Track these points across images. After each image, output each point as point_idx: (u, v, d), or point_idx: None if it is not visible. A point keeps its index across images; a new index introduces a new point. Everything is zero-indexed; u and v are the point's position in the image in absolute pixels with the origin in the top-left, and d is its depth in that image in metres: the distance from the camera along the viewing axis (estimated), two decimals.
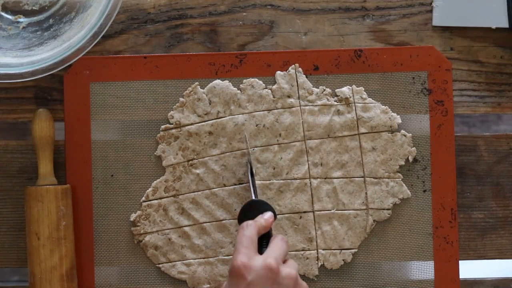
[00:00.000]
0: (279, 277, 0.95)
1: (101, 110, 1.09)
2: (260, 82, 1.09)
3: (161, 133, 1.09)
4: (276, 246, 0.98)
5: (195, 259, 1.08)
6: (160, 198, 1.09)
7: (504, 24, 1.09)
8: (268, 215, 1.02)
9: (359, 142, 1.08)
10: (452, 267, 1.09)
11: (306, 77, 1.09)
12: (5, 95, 1.10)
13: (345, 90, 1.09)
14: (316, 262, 1.08)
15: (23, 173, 1.09)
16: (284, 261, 0.98)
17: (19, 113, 1.10)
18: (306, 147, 1.08)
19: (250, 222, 1.00)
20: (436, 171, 1.09)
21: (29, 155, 1.09)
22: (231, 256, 1.08)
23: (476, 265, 1.16)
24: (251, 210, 1.02)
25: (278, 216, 1.08)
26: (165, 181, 1.08)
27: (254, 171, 1.07)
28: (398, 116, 1.09)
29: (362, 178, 1.09)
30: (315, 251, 1.08)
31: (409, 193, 1.09)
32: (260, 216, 1.01)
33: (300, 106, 1.08)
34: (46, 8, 1.10)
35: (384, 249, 1.09)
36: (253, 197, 1.04)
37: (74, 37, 1.04)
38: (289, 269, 0.97)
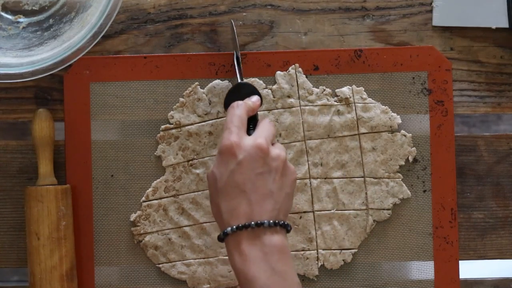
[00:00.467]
0: (269, 157, 0.96)
1: (101, 110, 1.09)
2: (261, 82, 1.09)
3: (161, 133, 1.09)
4: (264, 127, 0.99)
5: (195, 259, 1.08)
6: (160, 198, 1.09)
7: (504, 24, 1.09)
8: (255, 98, 1.02)
9: (359, 142, 1.08)
10: (452, 267, 1.09)
11: (306, 77, 1.09)
12: (5, 95, 1.10)
13: (345, 90, 1.09)
14: (316, 262, 1.08)
15: (23, 173, 1.09)
16: (273, 144, 0.98)
17: (19, 113, 1.10)
18: (306, 147, 1.08)
19: (240, 102, 1.00)
20: (436, 171, 1.09)
21: (29, 155, 1.09)
22: None
23: (476, 265, 1.16)
24: (237, 93, 1.02)
25: None
26: (165, 181, 1.09)
27: (240, 57, 1.06)
28: (398, 116, 1.09)
29: (362, 178, 1.09)
30: (315, 251, 1.08)
31: (409, 193, 1.09)
32: (247, 98, 1.02)
33: (300, 106, 1.08)
34: (46, 8, 1.10)
35: (384, 249, 1.09)
36: (239, 80, 1.04)
37: (74, 37, 1.04)
38: (279, 150, 0.97)
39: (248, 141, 0.96)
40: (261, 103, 1.03)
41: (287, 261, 0.94)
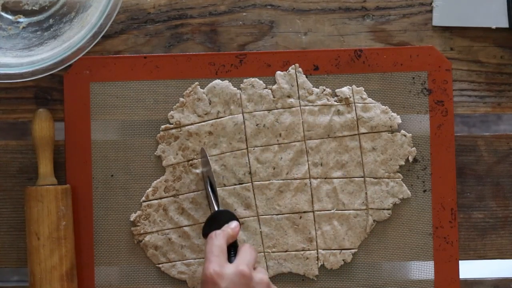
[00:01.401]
0: (253, 282, 0.96)
1: (101, 110, 1.09)
2: (261, 82, 1.09)
3: (161, 133, 1.09)
4: (245, 253, 0.99)
5: (195, 259, 1.08)
6: (160, 198, 1.09)
7: (504, 24, 1.09)
8: (234, 224, 1.02)
9: (359, 142, 1.08)
10: (452, 267, 1.09)
11: (306, 77, 1.09)
12: (5, 95, 1.10)
13: (345, 90, 1.09)
14: (316, 262, 1.08)
15: (23, 173, 1.09)
16: (254, 268, 0.99)
17: (19, 113, 1.10)
18: (306, 147, 1.08)
19: (218, 231, 1.00)
20: (436, 171, 1.09)
21: (29, 155, 1.09)
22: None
23: (476, 265, 1.16)
24: (216, 221, 1.02)
25: (278, 216, 1.08)
26: (165, 181, 1.09)
27: (215, 183, 1.06)
28: (398, 116, 1.09)
29: (362, 178, 1.09)
30: (315, 251, 1.08)
31: (409, 193, 1.09)
32: (226, 225, 1.02)
33: (300, 106, 1.08)
34: (46, 8, 1.10)
35: (384, 249, 1.09)
36: (216, 208, 1.04)
37: (74, 37, 1.04)
38: (261, 275, 0.98)
39: (230, 269, 0.96)
40: (240, 228, 1.03)
41: None
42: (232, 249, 1.01)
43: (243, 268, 0.96)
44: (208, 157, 1.06)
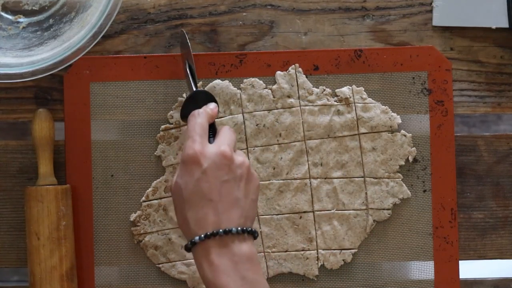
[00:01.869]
0: (234, 164, 0.95)
1: (101, 110, 1.09)
2: (261, 82, 1.09)
3: (161, 133, 1.09)
4: (226, 135, 0.98)
5: None
6: (160, 198, 1.09)
7: (504, 24, 1.09)
8: (213, 105, 1.01)
9: (359, 142, 1.08)
10: (452, 267, 1.09)
11: (306, 77, 1.09)
12: (5, 95, 1.10)
13: (345, 90, 1.09)
14: (316, 262, 1.08)
15: (23, 173, 1.09)
16: (234, 151, 0.97)
17: (19, 113, 1.10)
18: (306, 147, 1.08)
19: (200, 110, 0.99)
20: (436, 171, 1.09)
21: (29, 155, 1.09)
22: None
23: (476, 265, 1.16)
24: (194, 101, 1.01)
25: (278, 216, 1.08)
26: (165, 181, 1.09)
27: (193, 65, 1.05)
28: (398, 116, 1.09)
29: (362, 178, 1.09)
30: (315, 251, 1.08)
31: (409, 193, 1.09)
32: (205, 106, 1.01)
33: (300, 106, 1.08)
34: (46, 8, 1.10)
35: (384, 249, 1.09)
36: (194, 89, 1.03)
37: (74, 37, 1.04)
38: (242, 158, 0.96)
39: (212, 149, 0.95)
40: (218, 110, 1.02)
41: (257, 270, 0.94)
42: (211, 131, 0.99)
43: (225, 149, 0.95)
44: (188, 40, 1.05)
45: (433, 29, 1.10)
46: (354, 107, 1.08)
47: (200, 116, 0.98)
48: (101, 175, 1.09)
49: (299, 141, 1.08)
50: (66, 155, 1.09)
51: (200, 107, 1.00)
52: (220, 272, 0.92)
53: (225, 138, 0.97)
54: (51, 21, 1.10)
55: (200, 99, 1.02)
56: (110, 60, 1.09)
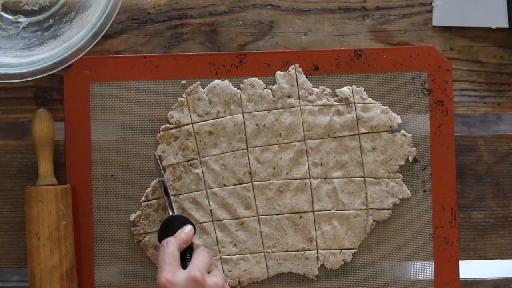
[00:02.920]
0: (206, 287, 0.96)
1: (101, 110, 1.09)
2: (261, 82, 1.09)
3: (161, 133, 1.09)
4: (199, 258, 0.99)
5: None
6: (160, 198, 1.08)
7: (504, 24, 1.09)
8: (188, 228, 1.02)
9: (359, 142, 1.08)
10: (452, 267, 1.09)
11: (306, 77, 1.09)
12: (5, 95, 1.10)
13: (345, 90, 1.09)
14: (316, 262, 1.08)
15: (23, 173, 1.09)
16: (209, 272, 0.99)
17: (19, 113, 1.10)
18: (306, 147, 1.08)
19: (170, 238, 1.00)
20: (436, 171, 1.09)
21: (29, 155, 1.09)
22: (231, 256, 1.08)
23: (476, 265, 1.16)
24: (170, 226, 1.02)
25: (278, 216, 1.08)
26: (164, 182, 1.08)
27: (168, 188, 1.06)
28: (398, 116, 1.09)
29: (362, 178, 1.09)
30: (315, 251, 1.08)
31: (409, 193, 1.09)
32: (180, 230, 1.02)
33: (300, 106, 1.08)
34: (46, 8, 1.10)
35: (384, 249, 1.09)
36: (170, 213, 1.04)
37: (74, 37, 1.04)
38: (215, 278, 0.98)
39: (182, 276, 0.97)
40: (195, 231, 1.03)
41: None
42: (188, 253, 1.01)
43: (195, 274, 0.96)
44: (159, 162, 1.06)
45: (433, 29, 1.10)
46: (354, 107, 1.08)
47: (169, 245, 1.00)
48: (101, 175, 1.09)
49: (299, 141, 1.08)
50: (66, 155, 1.09)
51: (175, 231, 1.02)
52: None
53: (198, 261, 0.99)
54: (51, 21, 1.10)
55: (175, 223, 1.03)
56: (110, 60, 1.09)
